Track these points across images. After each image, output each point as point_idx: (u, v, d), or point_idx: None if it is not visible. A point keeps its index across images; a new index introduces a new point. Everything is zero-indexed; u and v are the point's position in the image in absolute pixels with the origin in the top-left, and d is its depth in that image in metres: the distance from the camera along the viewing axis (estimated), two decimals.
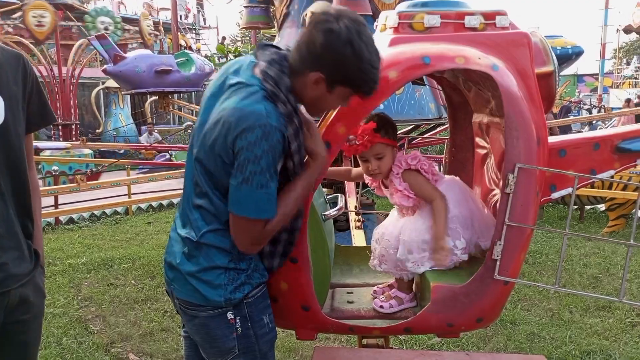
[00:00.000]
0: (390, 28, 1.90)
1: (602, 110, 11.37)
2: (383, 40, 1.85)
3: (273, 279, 1.76)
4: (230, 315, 1.62)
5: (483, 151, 2.31)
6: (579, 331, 3.91)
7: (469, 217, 1.98)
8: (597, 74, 20.65)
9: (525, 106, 1.71)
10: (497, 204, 1.81)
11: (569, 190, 1.95)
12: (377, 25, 2.04)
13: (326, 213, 2.02)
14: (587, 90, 21.96)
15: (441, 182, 2.04)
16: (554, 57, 1.91)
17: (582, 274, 5.19)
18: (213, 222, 1.58)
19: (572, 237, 6.47)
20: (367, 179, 2.13)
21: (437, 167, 2.10)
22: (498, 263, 1.70)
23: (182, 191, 1.72)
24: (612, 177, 2.06)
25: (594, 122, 10.19)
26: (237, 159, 1.45)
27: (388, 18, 1.93)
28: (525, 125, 1.70)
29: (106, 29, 14.39)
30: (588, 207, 7.53)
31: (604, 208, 7.17)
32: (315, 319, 1.84)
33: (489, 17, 1.86)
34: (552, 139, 1.92)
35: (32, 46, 13.04)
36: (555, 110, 13.72)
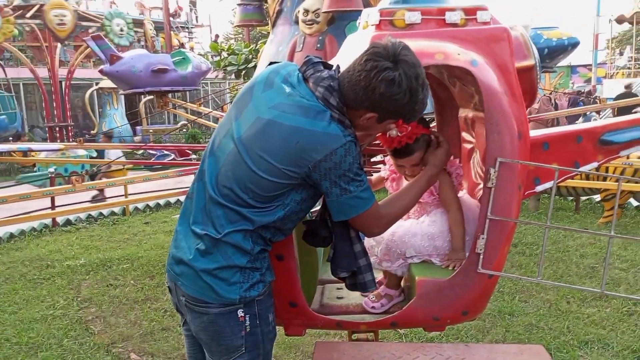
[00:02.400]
0: (372, 25, 1.91)
1: (597, 101, 11.38)
2: (364, 37, 1.87)
3: None
4: (240, 313, 1.62)
5: (469, 146, 2.33)
6: (576, 321, 3.95)
7: (472, 233, 1.97)
8: (591, 65, 20.66)
9: (506, 101, 1.73)
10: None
11: (553, 182, 1.96)
12: (359, 23, 2.05)
13: (313, 210, 2.04)
14: (581, 81, 21.96)
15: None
16: (535, 51, 1.92)
17: (578, 264, 5.22)
18: (240, 223, 1.58)
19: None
20: (387, 172, 2.17)
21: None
22: (481, 257, 1.72)
23: (190, 187, 1.72)
24: (596, 169, 2.07)
25: (587, 113, 10.20)
26: (324, 178, 1.52)
27: (370, 15, 1.94)
28: (506, 119, 1.71)
29: (121, 30, 14.51)
30: (584, 197, 7.55)
31: (599, 199, 7.19)
32: (303, 315, 1.86)
33: (470, 12, 1.87)
34: (534, 132, 1.94)
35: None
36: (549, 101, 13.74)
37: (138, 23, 18.12)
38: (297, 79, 1.57)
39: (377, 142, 2.09)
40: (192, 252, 1.61)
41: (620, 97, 11.79)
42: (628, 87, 14.51)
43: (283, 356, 3.55)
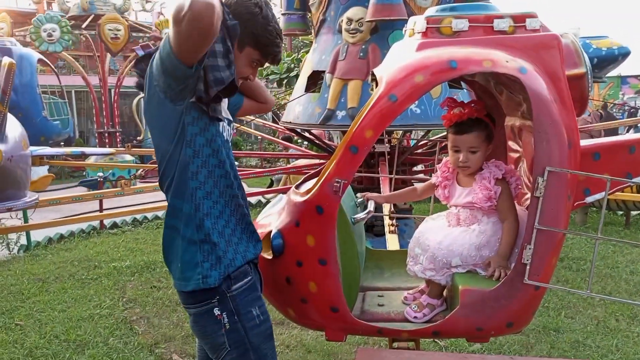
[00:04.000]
0: (418, 33, 1.92)
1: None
2: (411, 44, 1.87)
3: (302, 280, 1.79)
4: (217, 312, 1.65)
5: (516, 155, 2.29)
6: (625, 339, 3.80)
7: (519, 243, 1.92)
8: None
9: (556, 109, 1.70)
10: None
11: (604, 194, 1.91)
12: (405, 30, 2.06)
13: (356, 216, 2.04)
14: (632, 92, 21.14)
15: None
16: (586, 59, 1.88)
17: (628, 281, 5.03)
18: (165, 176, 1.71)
19: (619, 244, 6.26)
20: (439, 178, 2.13)
21: None
22: (528, 267, 1.69)
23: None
24: None
25: (638, 125, 9.83)
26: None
27: (416, 23, 1.95)
28: (556, 128, 1.68)
29: None
30: (634, 212, 7.26)
31: None
32: (344, 320, 1.86)
33: (519, 19, 1.85)
34: (585, 142, 1.89)
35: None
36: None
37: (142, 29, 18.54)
38: None
39: (419, 150, 2.11)
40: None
41: None
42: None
43: None
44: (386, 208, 4.00)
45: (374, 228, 5.52)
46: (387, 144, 5.84)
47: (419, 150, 6.84)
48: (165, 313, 4.48)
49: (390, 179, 4.28)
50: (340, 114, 5.30)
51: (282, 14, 7.70)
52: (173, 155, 1.63)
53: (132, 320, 4.35)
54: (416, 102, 6.03)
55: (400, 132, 7.05)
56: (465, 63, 1.69)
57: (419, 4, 5.86)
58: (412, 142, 8.49)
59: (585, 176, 1.83)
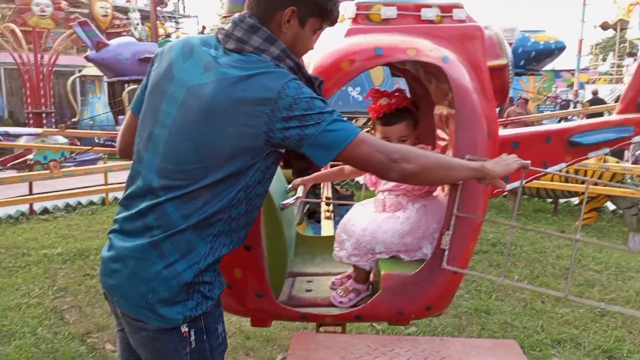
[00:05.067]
0: (348, 19, 1.91)
1: (579, 105, 11.52)
2: (340, 30, 1.87)
3: (226, 266, 1.76)
4: (184, 328, 1.42)
5: (443, 143, 2.34)
6: (550, 320, 4.00)
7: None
8: (574, 70, 20.97)
9: (476, 99, 1.74)
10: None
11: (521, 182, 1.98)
12: None
13: (283, 202, 2.04)
14: (564, 85, 22.23)
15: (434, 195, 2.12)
16: (508, 51, 1.94)
17: (554, 265, 5.29)
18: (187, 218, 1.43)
19: (547, 230, 6.58)
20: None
21: None
22: (446, 253, 1.73)
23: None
24: (566, 170, 2.09)
25: (569, 117, 10.35)
26: (290, 119, 1.35)
27: (347, 9, 1.94)
28: (476, 117, 1.73)
29: (137, 24, 14.71)
30: (562, 200, 7.65)
31: (577, 201, 7.29)
32: (269, 306, 1.86)
33: (446, 9, 1.89)
34: (504, 132, 1.95)
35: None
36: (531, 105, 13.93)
37: (122, 10, 18.06)
38: (215, 40, 1.48)
39: None
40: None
41: (589, 103, 12.21)
42: (595, 93, 14.97)
43: (260, 349, 3.54)
44: (324, 195, 4.02)
45: (316, 215, 5.55)
46: None
47: None
48: (99, 302, 4.33)
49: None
50: None
51: None
52: (219, 186, 1.38)
53: (62, 310, 4.18)
54: (358, 88, 6.07)
55: None
56: (391, 51, 1.71)
57: None
58: None
59: None
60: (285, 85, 1.35)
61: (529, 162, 1.63)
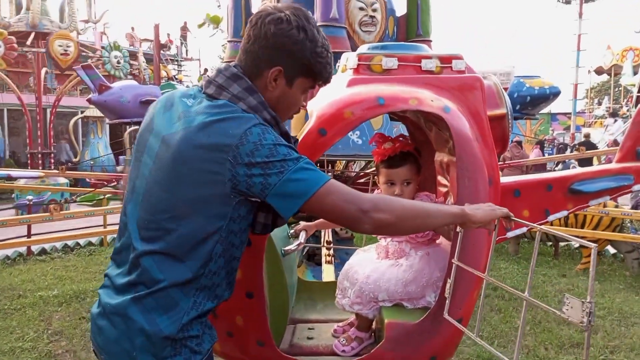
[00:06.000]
0: (350, 69, 1.96)
1: (574, 149, 11.64)
2: (342, 80, 1.91)
3: (228, 313, 1.75)
4: None
5: (444, 189, 2.36)
6: None
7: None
8: (570, 113, 21.35)
9: (477, 147, 1.77)
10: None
11: (524, 230, 1.99)
12: (338, 66, 2.10)
13: (285, 248, 2.03)
14: (561, 128, 22.59)
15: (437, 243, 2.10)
16: (507, 100, 1.98)
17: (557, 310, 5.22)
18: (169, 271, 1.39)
19: (548, 274, 6.54)
20: None
21: None
22: (447, 302, 1.72)
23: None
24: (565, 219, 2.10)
25: (566, 160, 10.44)
26: (252, 166, 1.30)
27: (348, 59, 1.99)
28: (477, 165, 1.74)
29: (118, 62, 14.83)
30: (562, 243, 7.62)
31: (577, 245, 7.27)
32: (270, 355, 1.82)
33: (445, 60, 1.93)
34: (506, 179, 1.97)
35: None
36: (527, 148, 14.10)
37: (132, 55, 18.42)
38: (196, 90, 1.48)
39: (361, 180, 2.14)
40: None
41: (581, 145, 12.41)
42: (587, 136, 15.18)
43: None
44: (323, 238, 4.01)
45: (315, 257, 5.51)
46: (330, 173, 5.91)
47: (361, 180, 6.94)
48: None
49: None
50: None
51: (228, 41, 7.74)
52: (192, 238, 1.35)
53: (57, 354, 4.10)
54: (358, 132, 6.16)
55: (343, 161, 7.15)
56: (393, 100, 1.74)
57: (362, 38, 6.03)
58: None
59: None
60: (248, 131, 1.32)
61: (508, 211, 1.56)
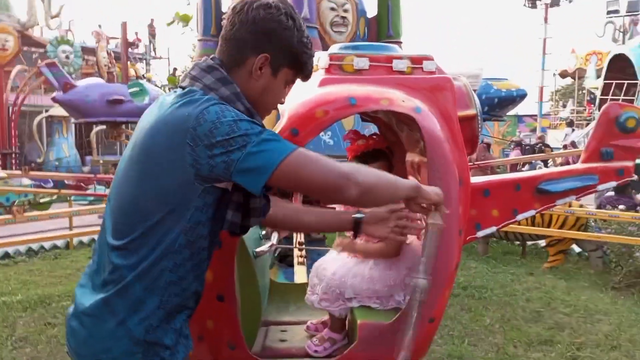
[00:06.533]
0: (321, 69, 1.95)
1: (540, 150, 11.93)
2: (314, 80, 1.90)
3: (199, 316, 1.72)
4: None
5: None
6: None
7: None
8: (536, 115, 21.92)
9: (448, 148, 1.78)
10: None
11: (494, 228, 2.02)
12: None
13: (257, 250, 2.01)
14: (527, 130, 23.18)
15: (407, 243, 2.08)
16: (477, 101, 2.01)
17: (525, 308, 5.32)
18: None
19: (516, 272, 6.67)
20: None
21: None
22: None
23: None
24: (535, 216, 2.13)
25: (532, 161, 10.71)
26: (210, 147, 1.25)
27: (320, 59, 1.99)
28: (447, 166, 1.76)
29: (67, 57, 14.30)
30: (530, 242, 7.79)
31: (544, 244, 7.43)
32: (242, 358, 1.80)
33: (416, 61, 1.94)
34: (476, 180, 2.00)
35: None
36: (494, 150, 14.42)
37: (89, 51, 17.86)
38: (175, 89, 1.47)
39: None
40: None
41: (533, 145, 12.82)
42: (540, 137, 15.68)
43: None
44: (295, 239, 3.99)
45: (287, 258, 5.49)
46: None
47: None
48: (60, 352, 4.13)
49: None
50: None
51: (198, 40, 7.65)
52: (157, 229, 1.31)
53: None
54: (329, 133, 6.17)
55: None
56: (364, 101, 1.74)
57: (333, 38, 6.05)
58: None
59: (477, 211, 1.93)
60: (205, 111, 1.26)
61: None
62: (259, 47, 1.40)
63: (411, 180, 1.55)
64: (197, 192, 1.30)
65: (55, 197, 7.76)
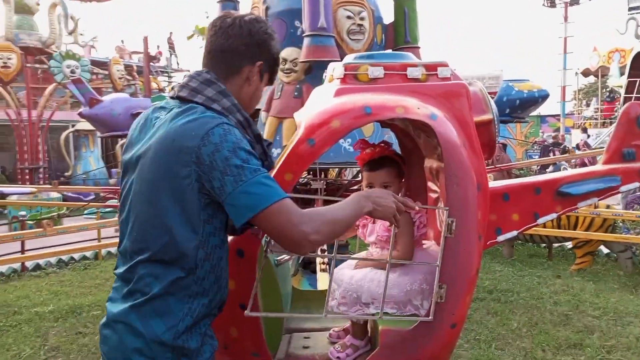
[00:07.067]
0: (337, 79, 1.98)
1: (565, 151, 11.72)
2: (329, 90, 1.93)
3: (223, 325, 1.75)
4: None
5: (435, 195, 2.38)
6: None
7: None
8: (559, 115, 21.51)
9: (465, 153, 1.79)
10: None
11: (514, 233, 2.02)
12: (325, 76, 2.12)
13: (279, 258, 2.04)
14: (550, 130, 22.79)
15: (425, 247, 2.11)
16: (493, 106, 2.01)
17: (552, 311, 5.24)
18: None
19: (542, 275, 6.58)
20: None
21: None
22: (432, 305, 1.72)
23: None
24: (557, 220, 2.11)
25: (557, 162, 10.54)
26: (212, 168, 1.36)
27: (335, 69, 2.01)
28: (465, 171, 1.76)
29: (72, 72, 14.55)
30: (556, 244, 7.66)
31: (571, 245, 7.31)
32: None
33: (431, 68, 1.96)
34: (495, 184, 1.99)
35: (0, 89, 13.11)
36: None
37: (103, 65, 18.03)
38: (167, 102, 1.56)
39: (354, 186, 2.16)
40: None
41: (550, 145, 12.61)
42: (555, 137, 15.38)
43: None
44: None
45: (311, 265, 5.51)
46: (322, 181, 5.92)
47: (355, 187, 6.96)
48: None
49: None
50: (276, 151, 5.33)
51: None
52: (176, 243, 1.40)
53: None
54: (349, 140, 6.19)
55: (336, 169, 7.17)
56: (379, 109, 1.76)
57: (351, 46, 6.06)
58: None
59: (497, 217, 1.93)
60: (210, 132, 1.37)
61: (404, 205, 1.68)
62: (255, 56, 1.59)
63: (357, 196, 1.57)
64: (203, 206, 1.41)
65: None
